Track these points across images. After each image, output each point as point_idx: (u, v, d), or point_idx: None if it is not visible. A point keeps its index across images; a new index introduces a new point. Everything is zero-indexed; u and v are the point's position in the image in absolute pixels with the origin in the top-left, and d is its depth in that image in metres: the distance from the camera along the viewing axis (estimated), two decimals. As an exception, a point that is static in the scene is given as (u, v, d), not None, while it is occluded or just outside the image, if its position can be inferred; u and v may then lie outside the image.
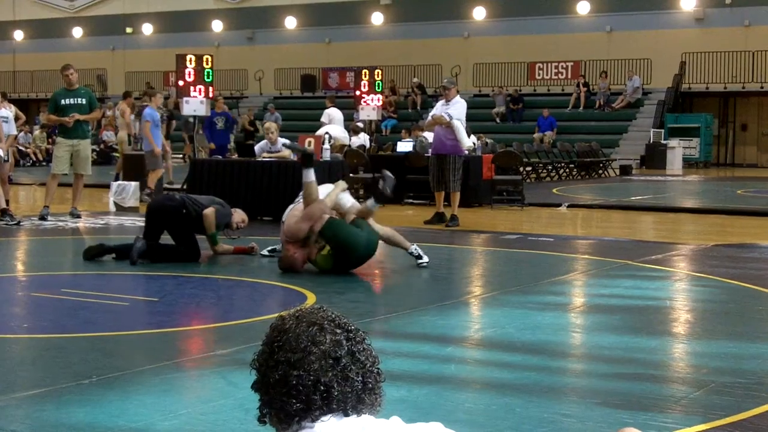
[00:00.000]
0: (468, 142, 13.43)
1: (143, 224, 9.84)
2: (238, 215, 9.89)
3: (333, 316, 1.98)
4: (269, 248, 9.91)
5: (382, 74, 21.36)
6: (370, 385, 1.95)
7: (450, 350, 5.84)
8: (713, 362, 5.58)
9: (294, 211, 8.97)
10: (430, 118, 13.79)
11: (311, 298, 7.45)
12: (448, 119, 12.95)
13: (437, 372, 5.26)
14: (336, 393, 1.89)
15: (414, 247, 9.23)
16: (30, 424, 4.28)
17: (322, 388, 1.89)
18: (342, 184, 9.43)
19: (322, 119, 19.72)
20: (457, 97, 13.26)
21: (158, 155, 16.21)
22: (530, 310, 7.15)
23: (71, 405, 4.52)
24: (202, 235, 9.63)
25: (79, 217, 13.52)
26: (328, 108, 20.17)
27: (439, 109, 13.36)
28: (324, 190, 9.11)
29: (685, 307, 7.62)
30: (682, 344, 6.27)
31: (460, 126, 13.03)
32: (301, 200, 9.05)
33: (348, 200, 9.24)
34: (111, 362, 5.37)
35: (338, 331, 1.95)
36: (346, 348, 1.93)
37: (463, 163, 13.73)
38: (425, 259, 9.20)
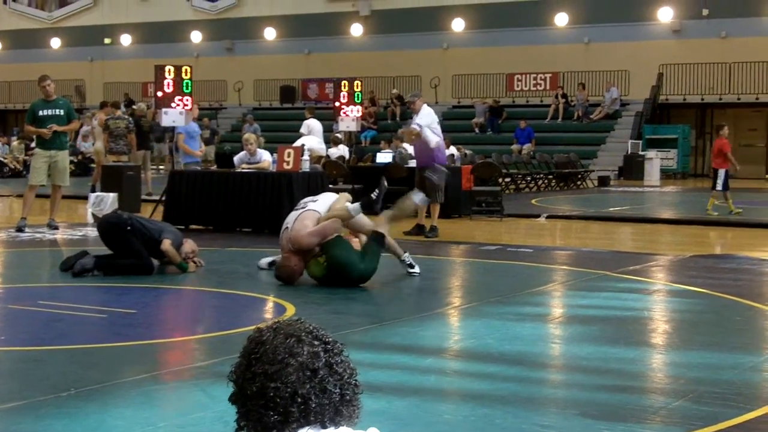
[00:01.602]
0: (434, 138, 13.42)
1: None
2: (189, 245, 9.61)
3: (311, 328, 1.99)
4: (268, 261, 9.65)
5: (361, 85, 21.36)
6: (348, 397, 1.96)
7: (430, 361, 5.84)
8: (691, 372, 5.61)
9: (304, 221, 8.73)
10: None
11: (291, 310, 7.44)
12: (418, 129, 13.09)
13: (417, 383, 5.26)
14: (314, 405, 1.90)
15: (406, 255, 9.28)
16: (7, 437, 4.25)
17: (299, 400, 1.89)
18: (346, 195, 9.41)
19: (302, 130, 19.69)
20: (424, 107, 13.37)
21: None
22: (509, 321, 7.17)
23: (49, 418, 4.49)
24: (156, 258, 9.48)
25: (56, 228, 13.45)
26: (307, 119, 20.16)
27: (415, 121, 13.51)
28: (327, 200, 9.06)
29: (663, 318, 7.66)
30: (660, 354, 6.30)
31: (426, 131, 13.14)
32: (308, 208, 8.89)
33: (367, 222, 9.20)
34: (89, 375, 5.34)
35: (316, 342, 1.95)
36: (323, 360, 1.93)
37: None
38: (417, 269, 9.23)
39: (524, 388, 5.24)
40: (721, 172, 16.61)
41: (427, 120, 13.19)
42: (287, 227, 8.82)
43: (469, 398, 5.06)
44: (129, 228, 9.22)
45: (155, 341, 6.52)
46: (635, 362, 5.94)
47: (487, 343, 6.41)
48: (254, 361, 1.92)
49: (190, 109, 16.22)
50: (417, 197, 10.11)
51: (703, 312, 7.78)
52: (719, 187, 16.60)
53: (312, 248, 8.59)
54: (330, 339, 1.98)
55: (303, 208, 8.99)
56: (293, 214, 8.97)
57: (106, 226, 9.50)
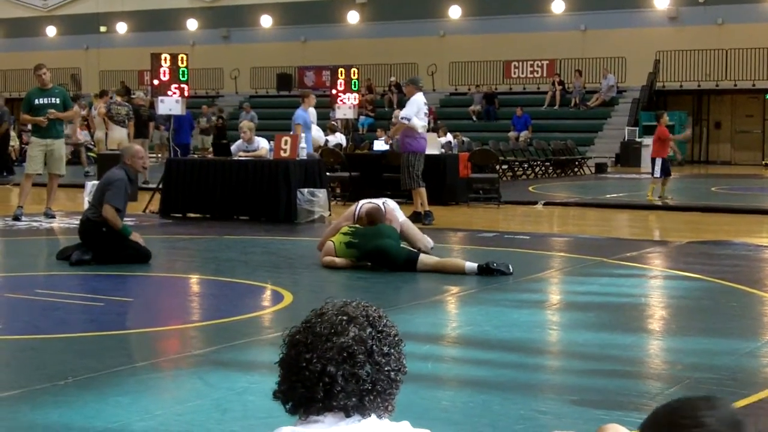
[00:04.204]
0: (420, 123, 13.50)
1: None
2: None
3: (373, 313, 1.97)
4: None
5: (358, 73, 21.32)
6: (380, 388, 1.92)
7: (427, 348, 5.84)
8: (688, 358, 5.61)
9: (395, 211, 9.64)
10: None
11: (288, 297, 7.44)
12: (405, 122, 13.36)
13: (414, 370, 5.23)
14: (338, 388, 1.87)
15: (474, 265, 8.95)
16: (4, 426, 4.24)
17: (326, 379, 1.86)
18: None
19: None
20: (413, 96, 13.50)
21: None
22: (507, 308, 7.17)
23: (46, 406, 4.48)
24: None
25: (53, 217, 13.42)
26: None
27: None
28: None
29: (659, 304, 7.66)
30: (657, 341, 6.30)
31: (414, 121, 13.30)
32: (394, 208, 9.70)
33: (419, 237, 9.77)
34: (86, 363, 5.33)
35: (369, 329, 1.93)
36: (367, 346, 1.90)
37: (441, 161, 13.86)
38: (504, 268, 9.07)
39: (522, 374, 5.24)
40: (658, 161, 16.87)
41: (412, 110, 13.43)
42: (374, 203, 9.47)
43: (467, 385, 5.06)
44: (104, 229, 9.11)
45: (152, 329, 6.52)
46: (632, 348, 5.94)
47: (484, 330, 6.41)
48: (304, 329, 1.92)
49: (307, 98, 15.61)
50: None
51: (700, 298, 7.79)
52: (657, 174, 16.87)
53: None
54: (387, 330, 1.96)
55: (381, 199, 9.84)
56: (379, 200, 9.71)
57: (81, 230, 9.38)
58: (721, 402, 1.78)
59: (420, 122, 13.52)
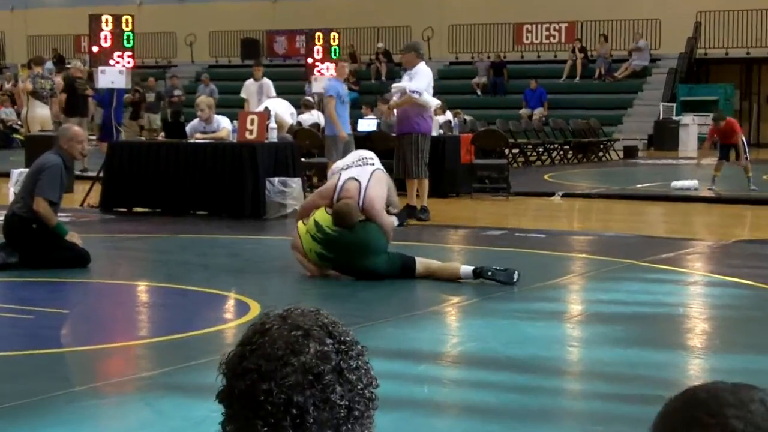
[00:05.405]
0: (433, 101, 13.52)
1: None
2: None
3: (327, 321, 1.94)
4: None
5: (339, 38, 21.31)
6: (357, 413, 1.91)
7: (423, 369, 5.85)
8: (733, 379, 5.62)
9: (380, 185, 9.02)
10: (394, 97, 13.94)
11: (255, 308, 7.44)
12: (416, 97, 13.03)
13: (407, 395, 5.27)
14: (311, 420, 1.86)
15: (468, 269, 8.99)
16: None
17: (294, 411, 1.85)
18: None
19: (242, 94, 19.73)
20: (419, 65, 13.33)
21: (342, 141, 14.91)
22: (517, 320, 7.19)
23: (-35, 440, 4.49)
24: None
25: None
26: (257, 79, 20.12)
27: (403, 82, 13.47)
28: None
29: (700, 315, 7.69)
30: (697, 359, 6.33)
31: (425, 96, 13.15)
32: (378, 167, 9.16)
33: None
34: (13, 388, 5.33)
35: (328, 341, 1.90)
36: (333, 363, 1.89)
37: (439, 143, 13.82)
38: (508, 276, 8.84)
39: (536, 399, 5.26)
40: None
41: (423, 83, 13.18)
42: (357, 180, 8.84)
43: (470, 412, 5.08)
44: (35, 226, 9.08)
45: (92, 347, 6.51)
46: (667, 368, 5.97)
47: (491, 347, 6.43)
48: (249, 353, 1.88)
49: (336, 69, 15.50)
50: (395, 220, 10.23)
51: (749, 308, 7.82)
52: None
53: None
54: (348, 338, 1.94)
55: (370, 164, 9.12)
56: (366, 170, 9.01)
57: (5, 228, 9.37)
58: (754, 393, 1.73)
59: (433, 100, 13.45)
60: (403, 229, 11.76)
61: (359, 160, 9.26)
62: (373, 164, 9.19)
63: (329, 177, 9.53)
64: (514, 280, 8.32)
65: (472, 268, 8.55)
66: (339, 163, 9.52)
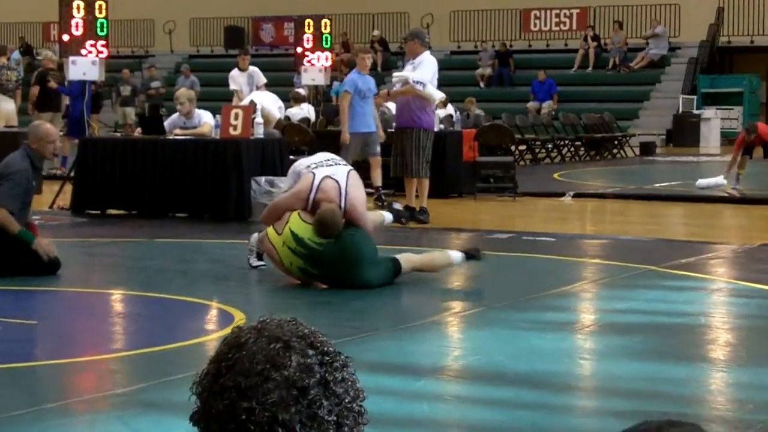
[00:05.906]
0: (438, 94, 13.52)
1: None
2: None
3: (306, 331, 1.93)
4: (255, 260, 9.32)
5: (330, 25, 21.34)
6: (347, 429, 1.90)
7: (422, 384, 5.84)
8: (761, 396, 5.64)
9: (360, 189, 8.99)
10: (395, 87, 13.89)
11: (239, 318, 7.43)
12: (420, 88, 12.98)
13: (405, 412, 5.27)
14: None
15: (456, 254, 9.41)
16: None
17: (280, 430, 1.84)
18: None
19: (232, 86, 19.64)
20: (424, 54, 13.30)
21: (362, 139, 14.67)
22: (525, 331, 7.19)
23: (-77, 462, 4.48)
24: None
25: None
26: (247, 69, 20.09)
27: (406, 71, 13.43)
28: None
29: (724, 326, 7.69)
30: (720, 373, 6.33)
31: (429, 88, 13.10)
32: (351, 168, 9.23)
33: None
34: (-24, 405, 5.32)
35: (310, 352, 1.89)
36: (318, 375, 1.87)
37: (440, 140, 13.81)
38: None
39: (545, 418, 5.25)
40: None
41: (428, 73, 13.14)
42: (337, 181, 8.73)
43: (474, 431, 5.06)
44: None
45: (62, 361, 6.49)
46: (688, 383, 5.97)
47: (496, 360, 6.42)
48: (225, 369, 1.86)
49: (357, 60, 15.45)
50: (387, 216, 10.24)
51: (777, 317, 7.82)
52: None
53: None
54: (331, 349, 1.92)
55: (342, 164, 9.16)
56: (341, 169, 8.95)
57: None
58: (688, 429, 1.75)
59: (437, 93, 13.44)
60: (401, 233, 11.77)
61: (328, 159, 9.17)
62: (345, 164, 9.21)
63: (290, 176, 9.37)
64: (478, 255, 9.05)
65: (461, 253, 8.96)
66: (303, 161, 9.43)
